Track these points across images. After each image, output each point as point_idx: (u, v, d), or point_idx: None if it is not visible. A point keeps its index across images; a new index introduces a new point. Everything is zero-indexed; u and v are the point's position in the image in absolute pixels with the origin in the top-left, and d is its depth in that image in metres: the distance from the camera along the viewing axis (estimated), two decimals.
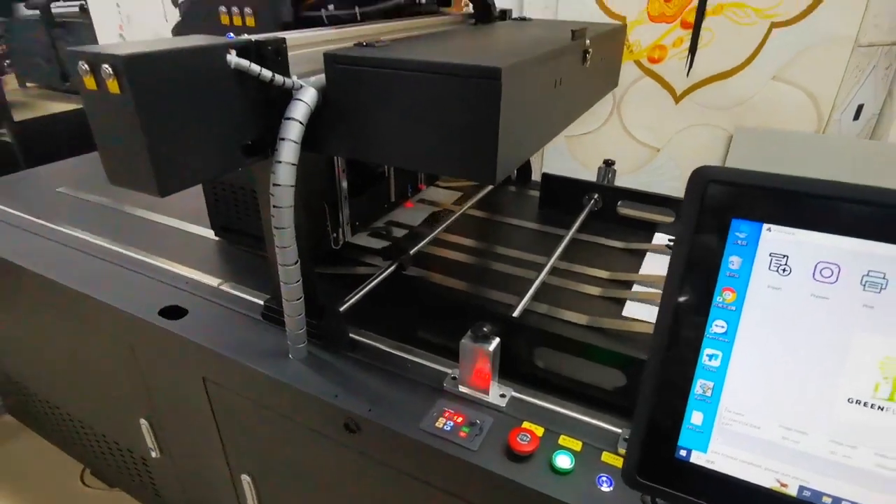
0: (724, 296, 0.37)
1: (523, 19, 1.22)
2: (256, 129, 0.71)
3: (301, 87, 0.70)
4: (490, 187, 1.39)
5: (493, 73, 0.59)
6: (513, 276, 1.05)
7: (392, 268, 0.96)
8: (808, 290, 0.35)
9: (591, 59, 0.93)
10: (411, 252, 1.02)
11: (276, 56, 0.70)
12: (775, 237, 0.36)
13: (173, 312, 0.94)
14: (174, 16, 2.28)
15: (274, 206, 0.70)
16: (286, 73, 0.70)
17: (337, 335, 0.84)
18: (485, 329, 0.73)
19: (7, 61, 5.86)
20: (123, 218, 1.29)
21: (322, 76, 0.71)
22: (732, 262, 0.37)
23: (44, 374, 1.35)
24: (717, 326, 0.38)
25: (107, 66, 0.55)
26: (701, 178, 0.37)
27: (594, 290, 1.02)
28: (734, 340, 0.37)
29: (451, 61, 0.61)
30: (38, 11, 5.00)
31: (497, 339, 0.73)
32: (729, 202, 0.37)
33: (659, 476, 0.38)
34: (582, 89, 0.96)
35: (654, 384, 0.38)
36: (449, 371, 0.81)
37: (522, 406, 0.75)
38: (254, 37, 0.69)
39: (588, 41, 0.90)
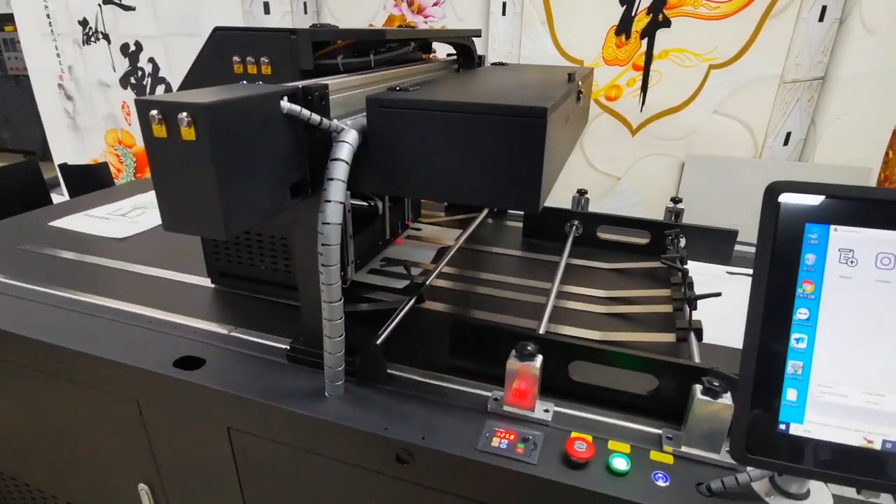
0: (804, 287, 0.45)
1: (502, 64, 1.32)
2: (299, 170, 0.73)
3: (342, 129, 0.73)
4: (478, 220, 1.46)
5: (541, 113, 0.65)
6: (521, 302, 1.10)
7: (412, 301, 0.99)
8: (873, 277, 0.43)
9: (582, 98, 1.03)
10: (427, 285, 1.05)
11: (320, 101, 0.73)
12: (842, 235, 0.44)
13: (189, 363, 0.91)
14: (122, 65, 2.22)
15: (322, 245, 0.72)
16: (328, 117, 0.74)
17: (376, 370, 0.85)
18: (529, 348, 0.77)
19: None
20: (104, 272, 1.23)
21: (360, 118, 0.76)
22: (808, 258, 0.44)
23: (12, 447, 1.22)
24: (801, 314, 0.45)
25: (184, 114, 0.56)
26: (775, 191, 0.45)
27: (597, 309, 1.09)
28: (816, 324, 0.44)
29: (502, 102, 0.67)
30: None
31: (540, 357, 0.77)
32: (801, 209, 0.44)
33: (764, 450, 0.44)
34: (576, 125, 1.05)
35: (753, 370, 0.44)
36: (487, 393, 0.84)
37: (566, 418, 0.79)
38: (300, 84, 0.72)
39: (580, 83, 1.00)
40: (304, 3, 1.82)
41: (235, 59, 0.92)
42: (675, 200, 1.37)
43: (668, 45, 1.60)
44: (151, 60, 2.12)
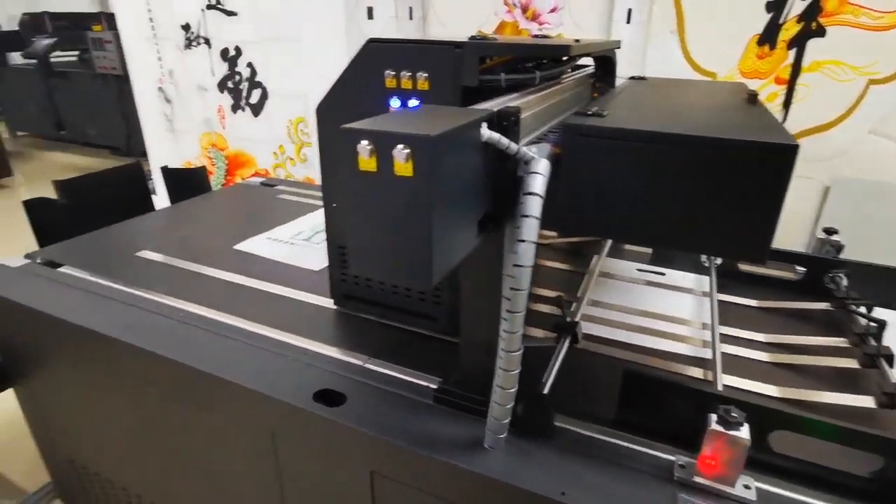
0: None
1: (642, 78, 1.21)
2: (487, 205, 0.66)
3: (533, 158, 0.65)
4: (607, 246, 1.35)
5: (790, 151, 0.55)
6: (676, 341, 1.00)
7: (567, 341, 0.90)
8: None
9: None
10: (577, 321, 0.96)
11: (514, 127, 0.65)
12: None
13: (328, 397, 0.86)
14: (221, 69, 2.24)
15: (512, 289, 0.64)
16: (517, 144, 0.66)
17: (542, 422, 0.77)
18: (734, 415, 0.67)
19: None
20: (224, 287, 1.20)
21: (544, 146, 0.68)
22: None
23: (128, 460, 1.21)
24: None
25: (402, 147, 0.49)
26: None
27: (760, 356, 0.97)
28: None
29: (742, 137, 0.57)
30: (34, 60, 4.90)
31: (747, 426, 0.67)
32: None
33: None
34: None
35: None
36: (668, 457, 0.74)
37: (772, 499, 0.69)
38: (495, 107, 0.65)
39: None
40: (410, 8, 1.76)
41: (389, 72, 0.85)
42: (829, 231, 1.22)
43: (821, 57, 1.45)
44: (250, 65, 2.11)
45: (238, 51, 2.11)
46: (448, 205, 0.54)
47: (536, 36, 1.11)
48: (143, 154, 4.98)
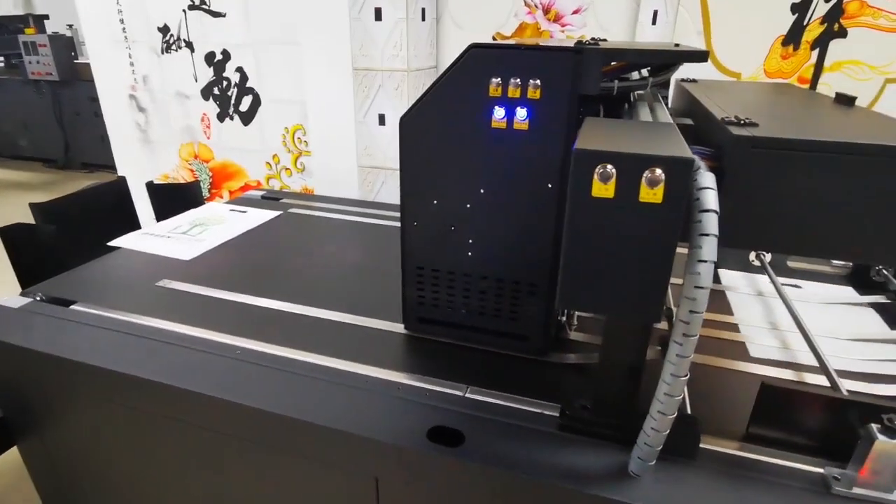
0: None
1: (693, 81, 1.21)
2: None
3: (700, 172, 0.61)
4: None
5: None
6: (770, 347, 1.00)
7: None
8: None
9: None
10: None
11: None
12: None
13: (443, 435, 0.79)
14: (206, 75, 2.06)
15: (691, 311, 0.60)
16: None
17: (687, 444, 0.74)
18: None
19: None
20: (273, 316, 1.09)
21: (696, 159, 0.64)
22: None
23: None
24: None
25: (657, 169, 0.44)
26: None
27: (857, 354, 0.99)
28: None
29: None
30: None
31: None
32: None
33: None
34: None
35: None
36: (813, 469, 0.73)
37: None
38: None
39: None
40: (423, 10, 1.68)
41: (494, 80, 0.79)
42: None
43: (842, 57, 1.51)
44: (239, 70, 1.96)
45: (226, 55, 1.96)
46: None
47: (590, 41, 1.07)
48: (83, 166, 4.59)
